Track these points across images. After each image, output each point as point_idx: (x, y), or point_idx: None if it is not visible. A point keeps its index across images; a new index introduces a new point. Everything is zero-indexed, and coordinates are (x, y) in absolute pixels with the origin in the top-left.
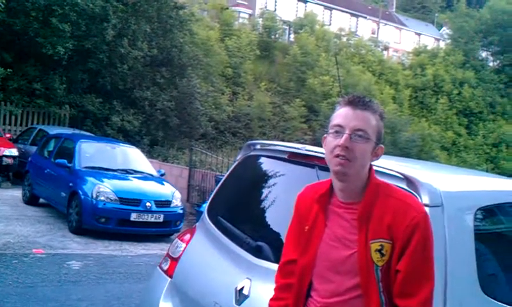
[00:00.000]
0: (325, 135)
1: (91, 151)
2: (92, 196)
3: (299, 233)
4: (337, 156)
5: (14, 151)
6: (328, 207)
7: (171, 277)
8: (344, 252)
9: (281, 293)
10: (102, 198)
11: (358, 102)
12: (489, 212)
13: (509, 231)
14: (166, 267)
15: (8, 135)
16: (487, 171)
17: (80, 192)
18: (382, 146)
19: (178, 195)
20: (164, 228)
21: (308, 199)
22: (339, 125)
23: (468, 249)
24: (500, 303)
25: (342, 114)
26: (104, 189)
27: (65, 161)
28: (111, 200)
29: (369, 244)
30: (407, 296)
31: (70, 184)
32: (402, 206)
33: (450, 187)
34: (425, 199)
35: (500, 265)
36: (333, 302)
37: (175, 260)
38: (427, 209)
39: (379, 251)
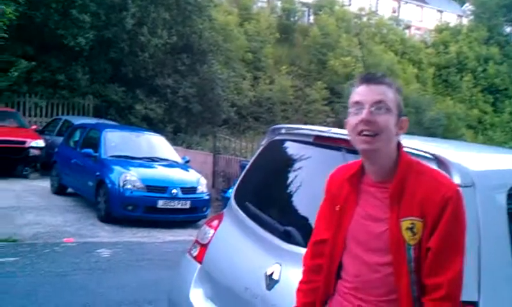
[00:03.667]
0: (346, 119)
1: (116, 140)
2: (119, 185)
3: (331, 213)
4: (360, 133)
5: (41, 143)
6: (359, 186)
7: (200, 263)
8: (376, 229)
9: (311, 275)
10: (129, 186)
11: (372, 78)
12: None
13: None
14: (195, 253)
15: (34, 127)
16: None
17: (107, 181)
18: (405, 117)
19: (203, 181)
20: (191, 215)
21: (340, 178)
22: (357, 102)
23: (502, 229)
24: None
25: (358, 92)
26: (131, 177)
27: (91, 151)
28: (138, 188)
29: (400, 222)
30: (436, 274)
31: (97, 173)
32: (433, 183)
33: (480, 166)
34: (456, 179)
35: None
36: (363, 280)
37: (204, 246)
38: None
39: (411, 229)
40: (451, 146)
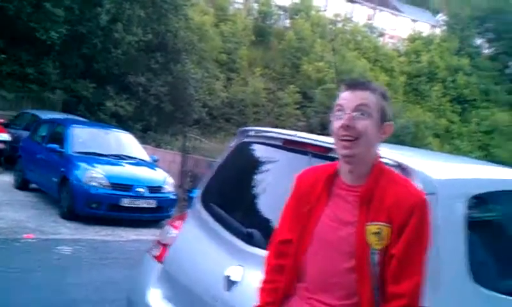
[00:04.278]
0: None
1: (83, 136)
2: (84, 181)
3: (297, 213)
4: (341, 138)
5: (5, 136)
6: (331, 189)
7: (161, 263)
8: (343, 232)
9: (273, 275)
10: (94, 183)
11: (356, 84)
12: (483, 200)
13: (501, 219)
14: (156, 253)
15: (0, 120)
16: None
17: (72, 178)
18: (390, 123)
19: (170, 180)
20: (157, 214)
21: (312, 179)
22: (339, 105)
23: (460, 237)
24: (490, 291)
25: (342, 97)
26: (96, 174)
27: (57, 146)
28: (103, 185)
29: (365, 226)
30: (398, 282)
31: (62, 169)
32: (403, 190)
33: (443, 174)
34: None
35: (492, 253)
36: (326, 282)
37: (165, 246)
38: None
39: (377, 234)
40: (416, 154)
